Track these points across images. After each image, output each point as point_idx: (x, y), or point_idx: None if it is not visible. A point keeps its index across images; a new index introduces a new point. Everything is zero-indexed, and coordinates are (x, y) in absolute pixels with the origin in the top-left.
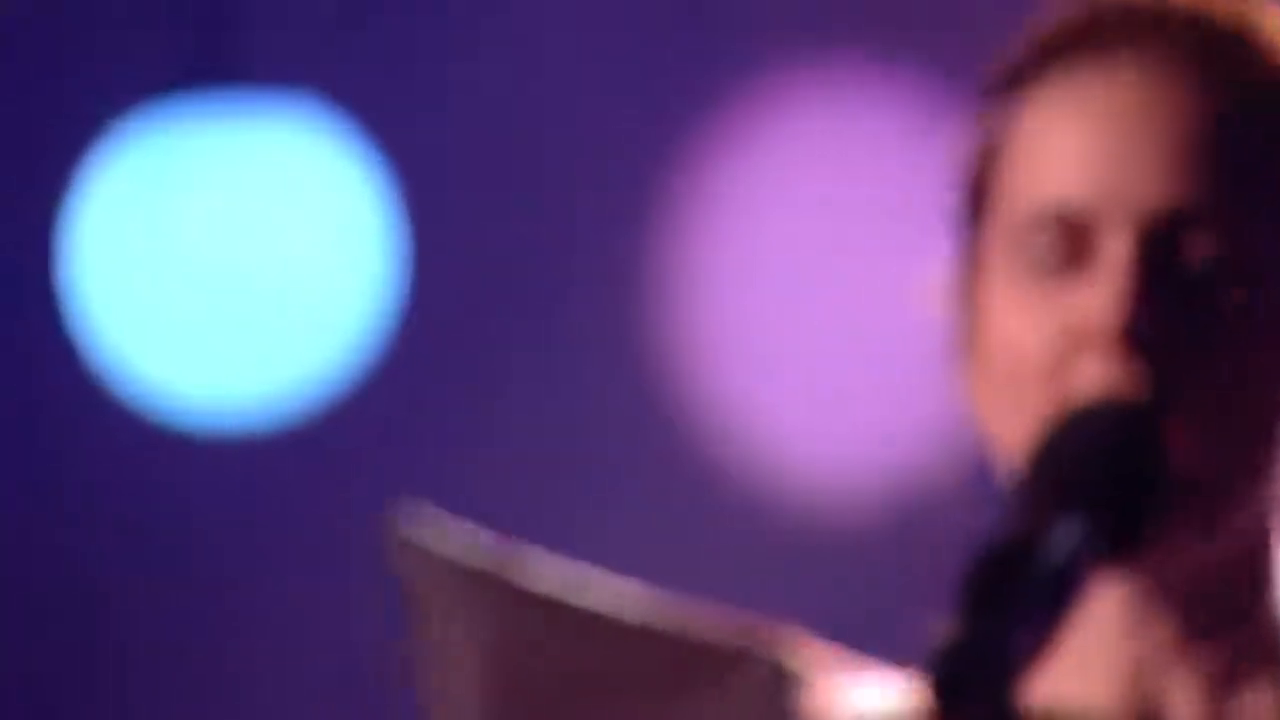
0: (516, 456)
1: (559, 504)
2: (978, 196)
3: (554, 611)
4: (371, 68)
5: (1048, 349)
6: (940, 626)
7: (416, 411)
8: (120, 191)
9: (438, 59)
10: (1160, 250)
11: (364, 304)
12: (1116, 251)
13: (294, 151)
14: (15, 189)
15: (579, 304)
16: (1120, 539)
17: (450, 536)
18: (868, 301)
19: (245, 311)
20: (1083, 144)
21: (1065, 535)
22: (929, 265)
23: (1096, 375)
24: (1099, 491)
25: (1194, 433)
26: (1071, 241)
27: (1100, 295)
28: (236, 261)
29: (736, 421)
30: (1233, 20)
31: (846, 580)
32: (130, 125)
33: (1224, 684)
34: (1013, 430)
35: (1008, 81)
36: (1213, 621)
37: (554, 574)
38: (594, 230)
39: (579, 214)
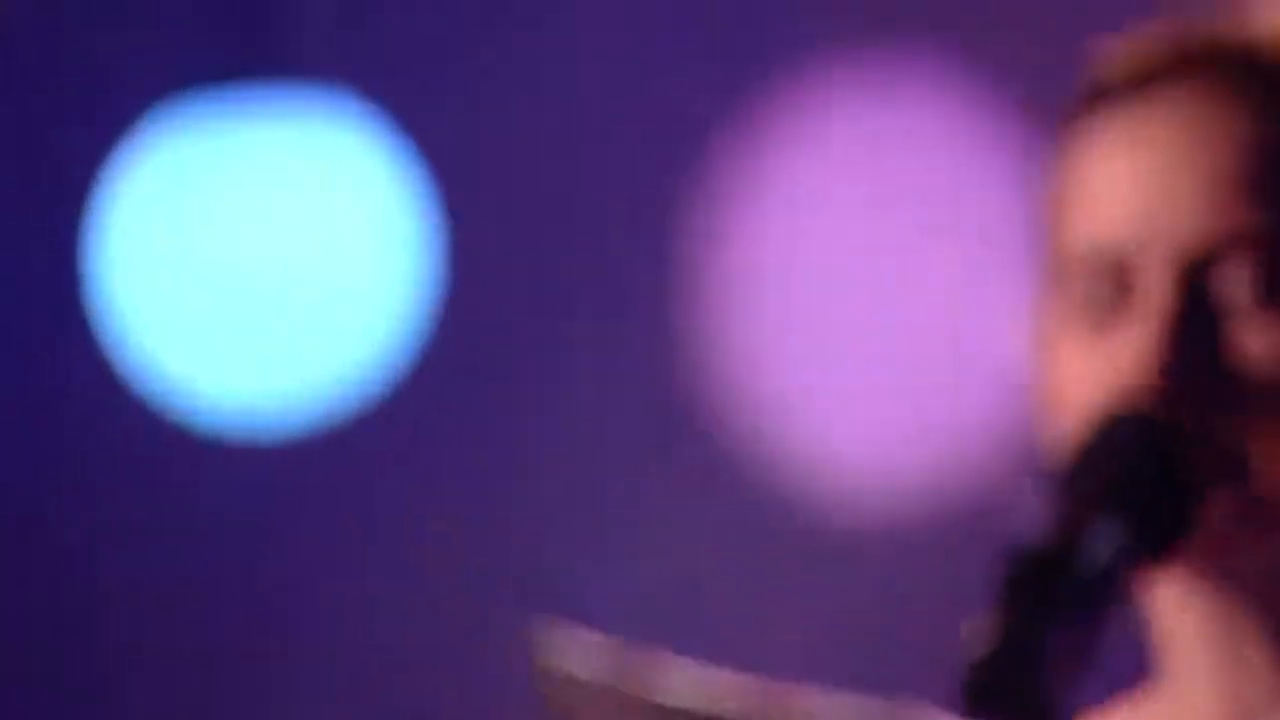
0: (547, 460)
1: (594, 506)
2: (1050, 236)
3: None
4: (408, 65)
5: (1096, 392)
6: (975, 630)
7: (448, 415)
8: (152, 187)
9: (473, 57)
10: (1200, 286)
11: (398, 305)
12: (1155, 292)
13: (328, 149)
14: (47, 184)
15: (614, 304)
16: (1153, 542)
17: (588, 654)
18: (901, 301)
19: (276, 311)
20: (1124, 183)
21: (1100, 538)
22: (1003, 286)
23: (1145, 411)
24: (1131, 494)
25: (1232, 457)
26: (1116, 281)
27: (1140, 338)
28: (268, 261)
29: (771, 422)
30: (1275, 56)
31: (880, 582)
32: (162, 121)
33: None
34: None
35: (1068, 123)
36: None
37: (691, 683)
38: (630, 230)
39: (615, 214)
